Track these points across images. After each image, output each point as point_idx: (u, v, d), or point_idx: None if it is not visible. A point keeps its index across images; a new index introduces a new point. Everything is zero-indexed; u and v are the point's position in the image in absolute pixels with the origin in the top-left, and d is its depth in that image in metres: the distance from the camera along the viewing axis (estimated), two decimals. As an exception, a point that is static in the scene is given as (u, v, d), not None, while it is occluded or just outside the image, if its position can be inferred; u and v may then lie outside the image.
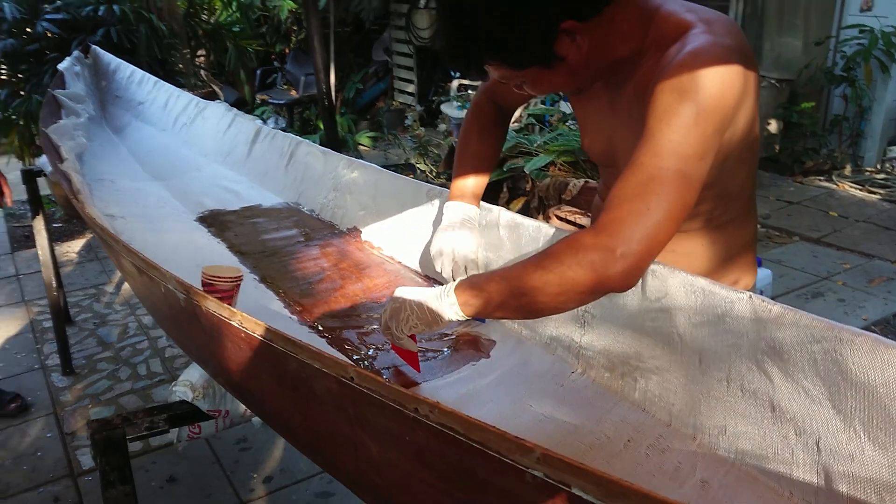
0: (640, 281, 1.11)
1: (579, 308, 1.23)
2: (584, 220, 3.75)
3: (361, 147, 6.80)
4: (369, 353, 1.39)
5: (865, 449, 0.81)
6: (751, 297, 0.93)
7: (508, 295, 1.03)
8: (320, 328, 1.50)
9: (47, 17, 4.47)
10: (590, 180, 4.14)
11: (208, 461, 2.52)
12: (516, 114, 4.62)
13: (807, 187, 5.38)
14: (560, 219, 4.05)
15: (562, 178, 4.24)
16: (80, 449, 2.59)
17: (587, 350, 1.21)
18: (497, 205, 4.54)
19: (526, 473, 0.57)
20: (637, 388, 1.10)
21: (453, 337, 1.42)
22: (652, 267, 1.09)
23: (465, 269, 1.43)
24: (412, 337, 1.18)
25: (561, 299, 0.99)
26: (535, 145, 4.43)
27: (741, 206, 1.25)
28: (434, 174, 5.23)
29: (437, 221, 1.63)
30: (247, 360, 0.94)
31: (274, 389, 0.94)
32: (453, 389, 1.24)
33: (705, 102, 0.97)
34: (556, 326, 1.29)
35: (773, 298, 0.96)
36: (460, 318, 1.10)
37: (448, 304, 1.09)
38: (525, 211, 4.48)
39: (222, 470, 2.49)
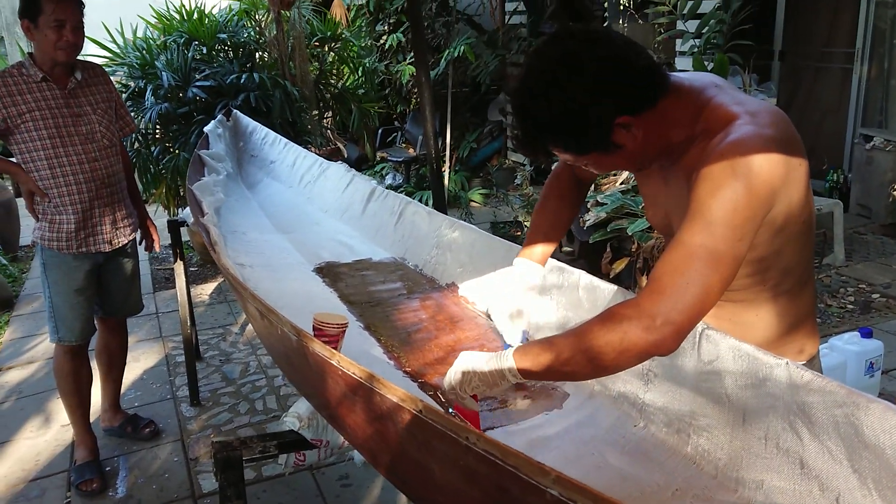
0: (697, 344, 1.22)
1: (644, 367, 1.34)
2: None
3: (473, 204, 7.05)
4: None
5: (878, 506, 0.88)
6: (787, 364, 1.03)
7: (561, 364, 1.13)
8: (413, 374, 1.67)
9: (197, 83, 5.01)
10: (695, 243, 4.16)
11: (312, 493, 2.72)
12: (623, 175, 4.71)
13: (934, 256, 5.13)
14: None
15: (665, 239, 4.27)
16: (201, 474, 2.86)
17: (649, 406, 1.32)
18: (601, 264, 4.58)
19: (546, 492, 0.70)
20: (690, 443, 1.20)
21: (532, 389, 1.56)
22: (707, 332, 1.20)
23: (511, 317, 1.62)
24: (474, 397, 1.30)
25: (607, 364, 1.09)
26: (641, 207, 4.49)
27: (795, 279, 1.30)
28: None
29: (544, 289, 1.80)
30: (343, 394, 1.12)
31: (363, 419, 1.11)
32: (525, 435, 1.37)
33: (743, 188, 1.06)
34: (623, 383, 1.40)
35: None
36: (518, 381, 1.21)
37: (507, 369, 1.19)
38: (629, 271, 4.52)
39: (324, 502, 2.68)
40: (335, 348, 1.59)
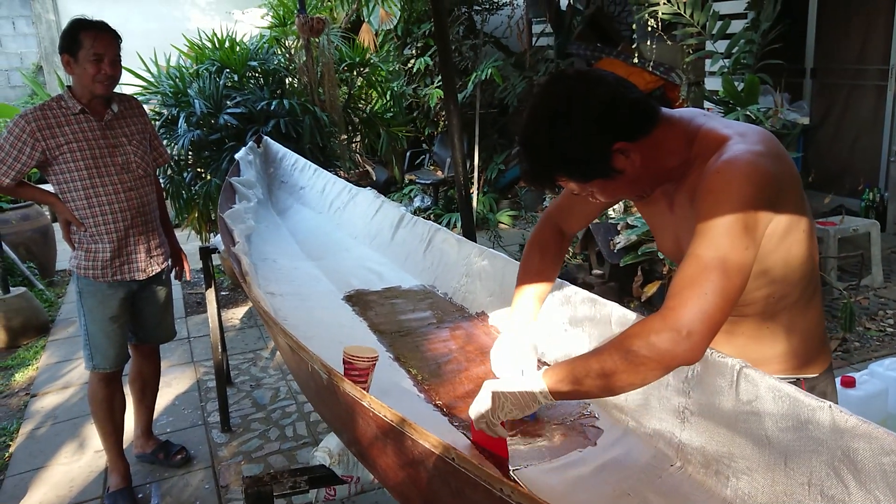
0: (735, 383, 1.19)
1: (680, 405, 1.31)
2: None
3: (501, 225, 7.04)
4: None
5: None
6: (831, 407, 1.00)
7: (593, 379, 1.18)
8: (443, 407, 1.65)
9: (228, 110, 5.09)
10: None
11: (343, 523, 2.71)
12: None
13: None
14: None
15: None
16: (232, 501, 2.86)
17: (686, 446, 1.29)
18: (632, 287, 4.54)
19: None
20: (729, 486, 1.17)
21: (564, 424, 1.53)
22: (745, 371, 1.17)
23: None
24: (502, 424, 1.31)
25: (637, 377, 1.15)
26: (671, 229, 4.45)
27: (801, 291, 1.35)
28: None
29: (574, 319, 1.80)
30: (374, 435, 1.11)
31: (394, 462, 1.10)
32: (559, 474, 1.34)
33: (741, 199, 1.15)
34: (658, 420, 1.37)
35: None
36: (549, 403, 1.25)
37: (539, 391, 1.24)
38: (660, 295, 4.47)
39: (355, 532, 2.67)
40: (365, 381, 1.58)
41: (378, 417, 1.05)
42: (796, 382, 1.31)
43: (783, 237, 1.26)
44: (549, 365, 1.60)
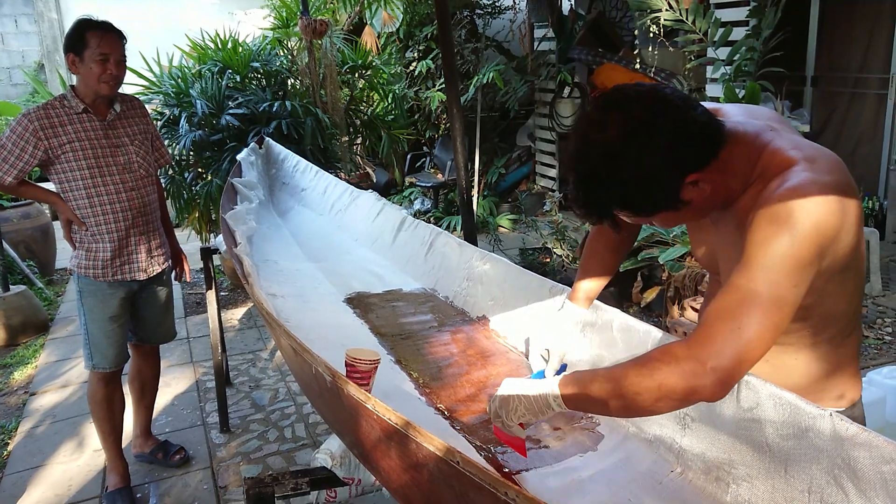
0: (736, 390, 1.20)
1: (680, 410, 1.32)
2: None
3: (501, 229, 7.04)
4: (485, 435, 1.53)
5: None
6: (832, 415, 1.00)
7: (607, 395, 1.12)
8: (444, 411, 1.66)
9: (230, 111, 5.10)
10: (727, 272, 4.11)
11: (341, 525, 2.71)
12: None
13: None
14: (695, 310, 4.03)
15: (698, 269, 4.23)
16: (230, 502, 2.86)
17: (687, 451, 1.30)
18: (631, 292, 4.55)
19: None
20: (729, 493, 1.18)
21: (565, 429, 1.54)
22: (746, 378, 1.18)
23: (557, 359, 1.64)
24: (520, 425, 1.30)
25: (654, 403, 1.08)
26: (672, 235, 4.46)
27: (841, 326, 1.28)
28: (570, 259, 5.34)
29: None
30: (377, 438, 1.11)
31: (397, 465, 1.10)
32: (560, 478, 1.35)
33: (801, 234, 1.05)
34: (659, 426, 1.38)
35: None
36: (563, 410, 1.22)
37: (552, 398, 1.20)
38: (660, 300, 4.47)
39: (353, 535, 2.67)
40: (367, 384, 1.59)
41: (382, 420, 1.06)
42: (829, 416, 1.18)
43: (833, 274, 1.17)
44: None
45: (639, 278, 4.56)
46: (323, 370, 1.27)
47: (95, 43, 2.57)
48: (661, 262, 4.29)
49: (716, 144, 1.18)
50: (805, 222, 1.06)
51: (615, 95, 1.19)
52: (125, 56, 2.68)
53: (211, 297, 3.34)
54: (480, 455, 1.43)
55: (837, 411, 1.23)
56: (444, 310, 2.38)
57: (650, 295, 4.50)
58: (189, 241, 5.68)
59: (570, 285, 1.73)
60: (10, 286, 4.85)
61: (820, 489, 1.01)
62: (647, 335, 1.49)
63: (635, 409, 1.13)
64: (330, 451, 1.50)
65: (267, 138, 4.31)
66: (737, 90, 4.53)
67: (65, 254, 3.16)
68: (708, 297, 1.55)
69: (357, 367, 1.59)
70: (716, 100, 5.07)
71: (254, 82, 5.57)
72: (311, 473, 1.51)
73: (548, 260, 5.55)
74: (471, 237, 3.74)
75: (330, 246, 3.22)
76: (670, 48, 6.06)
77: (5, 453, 3.31)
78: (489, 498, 0.82)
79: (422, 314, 2.35)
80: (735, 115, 1.29)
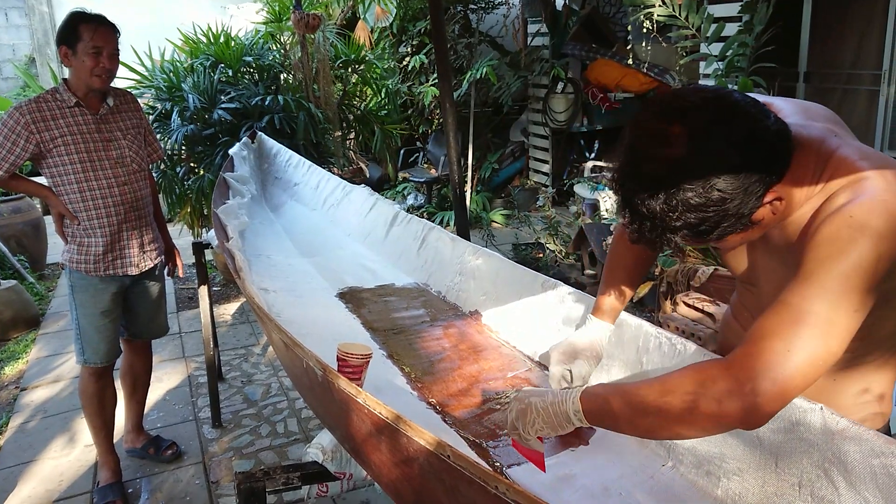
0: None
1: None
2: (713, 308, 3.73)
3: (494, 224, 7.05)
4: (477, 430, 1.53)
5: (917, 562, 0.86)
6: (822, 408, 1.01)
7: (630, 413, 1.05)
8: (436, 405, 1.66)
9: (222, 105, 5.08)
10: (720, 268, 4.12)
11: (333, 520, 2.72)
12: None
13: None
14: (688, 305, 4.04)
15: (691, 264, 4.24)
16: (222, 497, 2.86)
17: (678, 446, 1.30)
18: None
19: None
20: (720, 487, 1.18)
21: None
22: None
23: (580, 383, 1.46)
24: (539, 438, 1.22)
25: (681, 427, 1.00)
26: (664, 231, 4.46)
27: (886, 349, 1.19)
28: (563, 254, 5.35)
29: (567, 319, 1.76)
30: (368, 432, 1.12)
31: (388, 459, 1.11)
32: (551, 472, 1.35)
33: (869, 255, 0.95)
34: (650, 420, 1.38)
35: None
36: (583, 425, 1.14)
37: (573, 412, 1.13)
38: (652, 296, 4.48)
39: (345, 529, 2.67)
40: (359, 378, 1.59)
41: (373, 414, 1.06)
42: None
43: (890, 298, 1.06)
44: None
45: (631, 274, 4.56)
46: (314, 364, 1.27)
47: (88, 36, 2.55)
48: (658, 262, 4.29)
49: (790, 153, 1.06)
50: (876, 243, 0.96)
51: (677, 102, 1.03)
52: (118, 50, 2.66)
53: (203, 292, 3.33)
54: (472, 449, 1.43)
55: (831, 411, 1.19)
56: (437, 304, 2.38)
57: (643, 290, 4.51)
58: (181, 235, 5.68)
59: (562, 280, 1.68)
60: (1, 281, 4.83)
61: (810, 482, 1.02)
62: (639, 329, 1.49)
63: (662, 432, 1.05)
64: (321, 446, 1.50)
65: (259, 133, 4.30)
66: (729, 85, 4.53)
67: (56, 248, 3.15)
68: (734, 306, 1.43)
69: (349, 362, 1.59)
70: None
71: (246, 77, 5.56)
72: (303, 468, 1.51)
73: (541, 255, 5.56)
74: (464, 232, 3.74)
75: (322, 241, 3.22)
76: (663, 44, 6.06)
77: (-4, 448, 3.30)
78: (479, 492, 0.83)
79: (414, 309, 2.35)
80: (791, 113, 1.15)
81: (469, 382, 1.77)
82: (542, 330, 1.84)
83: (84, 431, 3.20)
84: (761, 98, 1.13)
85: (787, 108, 1.16)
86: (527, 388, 1.28)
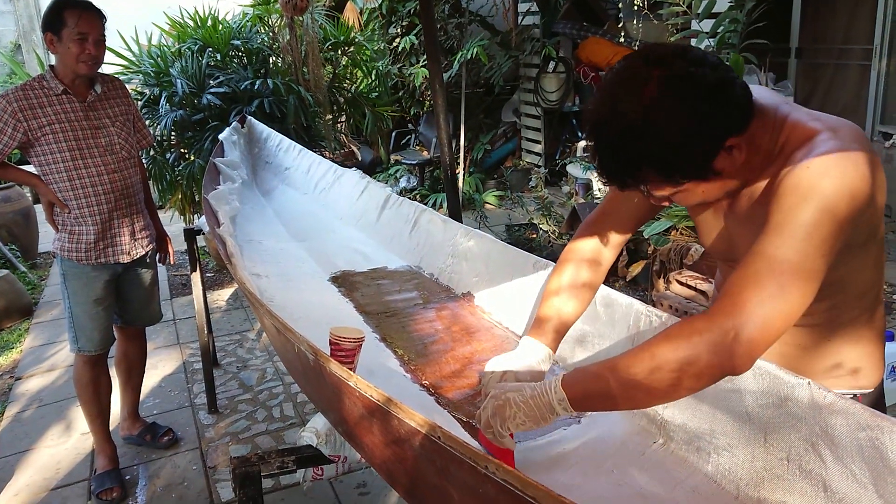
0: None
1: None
2: (706, 286, 3.74)
3: (488, 206, 7.04)
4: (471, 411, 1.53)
5: (904, 533, 0.87)
6: (809, 383, 1.02)
7: (619, 386, 1.04)
8: (430, 388, 1.67)
9: (211, 90, 5.04)
10: (711, 245, 4.13)
11: (330, 502, 2.73)
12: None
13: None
14: (681, 283, 4.05)
15: (683, 242, 4.25)
16: (220, 482, 2.87)
17: (669, 423, 1.31)
18: (616, 267, 4.57)
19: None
20: (710, 462, 1.19)
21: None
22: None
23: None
24: (510, 434, 1.19)
25: (676, 387, 1.01)
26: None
27: (868, 303, 1.23)
28: (556, 234, 5.35)
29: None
30: (360, 415, 1.12)
31: (380, 441, 1.11)
32: (544, 451, 1.36)
33: (830, 203, 1.01)
34: (642, 398, 1.39)
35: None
36: (569, 415, 1.12)
37: (557, 400, 1.10)
38: (645, 274, 4.50)
39: (342, 511, 2.69)
40: (352, 362, 1.59)
41: (364, 397, 1.06)
42: (854, 397, 1.11)
43: (862, 247, 1.13)
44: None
45: (624, 252, 4.58)
46: (305, 349, 1.27)
47: (73, 22, 2.52)
48: (647, 237, 4.31)
49: (751, 109, 1.12)
50: (835, 190, 1.01)
51: (656, 51, 1.10)
52: (104, 35, 2.63)
53: (195, 278, 3.33)
54: (465, 430, 1.44)
55: (865, 392, 1.24)
56: (429, 286, 2.38)
57: (636, 269, 4.53)
58: (173, 222, 5.66)
59: (556, 261, 1.59)
60: (-7, 271, 4.81)
61: (798, 457, 1.03)
62: (630, 308, 1.50)
63: (655, 397, 1.05)
64: (315, 429, 1.50)
65: (249, 117, 4.27)
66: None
67: (48, 237, 3.13)
68: (718, 285, 1.47)
69: (341, 346, 1.59)
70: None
71: (235, 60, 5.51)
72: (297, 452, 1.52)
73: (534, 236, 5.57)
74: (456, 213, 3.74)
75: (314, 225, 3.21)
76: (654, 21, 6.03)
77: (-8, 438, 3.30)
78: (470, 472, 0.83)
79: (407, 292, 2.35)
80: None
81: (462, 364, 1.78)
82: (533, 311, 1.84)
83: (80, 419, 3.21)
84: None
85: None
86: (500, 384, 1.21)
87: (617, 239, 1.47)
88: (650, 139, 1.06)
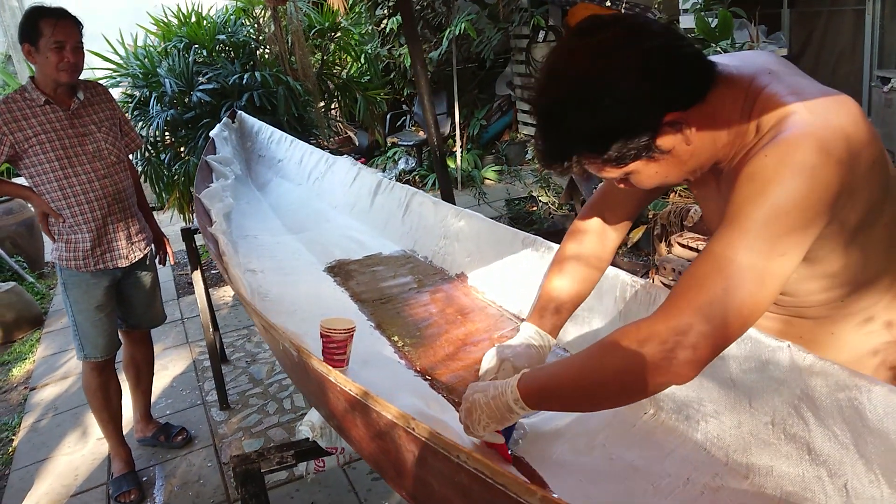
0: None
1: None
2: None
3: (488, 181, 7.01)
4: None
5: (884, 491, 0.87)
6: (789, 346, 1.01)
7: (569, 389, 1.02)
8: (425, 372, 1.67)
9: (200, 87, 5.03)
10: (712, 205, 4.10)
11: (344, 489, 2.76)
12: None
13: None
14: (683, 246, 4.04)
15: (682, 204, 4.22)
16: (235, 477, 2.91)
17: (658, 393, 1.31)
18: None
19: (534, 511, 0.70)
20: (699, 430, 1.19)
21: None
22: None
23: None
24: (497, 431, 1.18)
25: (618, 394, 0.98)
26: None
27: (879, 293, 1.12)
28: (557, 206, 5.33)
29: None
30: (343, 409, 1.12)
31: (365, 434, 1.11)
32: (535, 429, 1.36)
33: (791, 194, 0.90)
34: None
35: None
36: (526, 413, 1.09)
37: (512, 400, 1.08)
38: (646, 239, 4.48)
39: (357, 497, 2.71)
40: (344, 353, 1.59)
41: (344, 392, 1.07)
42: None
43: (854, 235, 1.02)
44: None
45: (625, 219, 4.55)
46: (289, 346, 1.28)
47: (49, 31, 2.51)
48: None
49: (703, 82, 1.02)
50: (795, 180, 0.90)
51: (589, 22, 1.03)
52: (82, 42, 2.62)
53: (197, 276, 3.34)
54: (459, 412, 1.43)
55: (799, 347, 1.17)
56: (424, 270, 2.38)
57: (636, 234, 4.51)
58: (173, 222, 5.67)
59: (556, 231, 1.52)
60: (0, 283, 4.85)
61: (782, 420, 1.03)
62: (616, 280, 1.49)
63: (600, 402, 1.03)
64: (311, 423, 1.51)
65: (239, 111, 4.26)
66: (709, 19, 4.46)
67: (51, 247, 3.15)
68: None
69: (332, 338, 1.60)
70: (689, 32, 5.00)
71: (222, 55, 5.48)
72: (296, 446, 1.53)
73: (534, 208, 5.55)
74: (447, 194, 3.72)
75: (310, 215, 3.21)
76: (642, -18, 5.95)
77: (10, 450, 3.35)
78: (444, 462, 0.83)
79: (401, 276, 2.35)
80: (727, 63, 1.10)
81: (456, 346, 1.78)
82: (525, 288, 1.84)
83: (95, 426, 3.23)
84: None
85: (724, 59, 1.12)
86: (473, 384, 1.19)
87: (621, 219, 1.40)
88: (578, 115, 1.00)
